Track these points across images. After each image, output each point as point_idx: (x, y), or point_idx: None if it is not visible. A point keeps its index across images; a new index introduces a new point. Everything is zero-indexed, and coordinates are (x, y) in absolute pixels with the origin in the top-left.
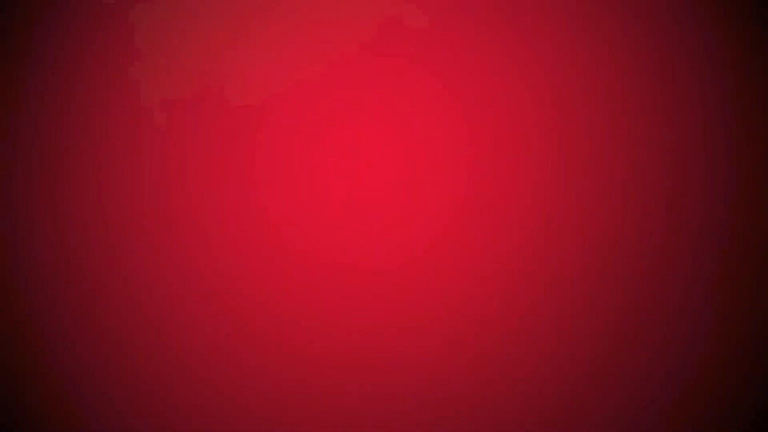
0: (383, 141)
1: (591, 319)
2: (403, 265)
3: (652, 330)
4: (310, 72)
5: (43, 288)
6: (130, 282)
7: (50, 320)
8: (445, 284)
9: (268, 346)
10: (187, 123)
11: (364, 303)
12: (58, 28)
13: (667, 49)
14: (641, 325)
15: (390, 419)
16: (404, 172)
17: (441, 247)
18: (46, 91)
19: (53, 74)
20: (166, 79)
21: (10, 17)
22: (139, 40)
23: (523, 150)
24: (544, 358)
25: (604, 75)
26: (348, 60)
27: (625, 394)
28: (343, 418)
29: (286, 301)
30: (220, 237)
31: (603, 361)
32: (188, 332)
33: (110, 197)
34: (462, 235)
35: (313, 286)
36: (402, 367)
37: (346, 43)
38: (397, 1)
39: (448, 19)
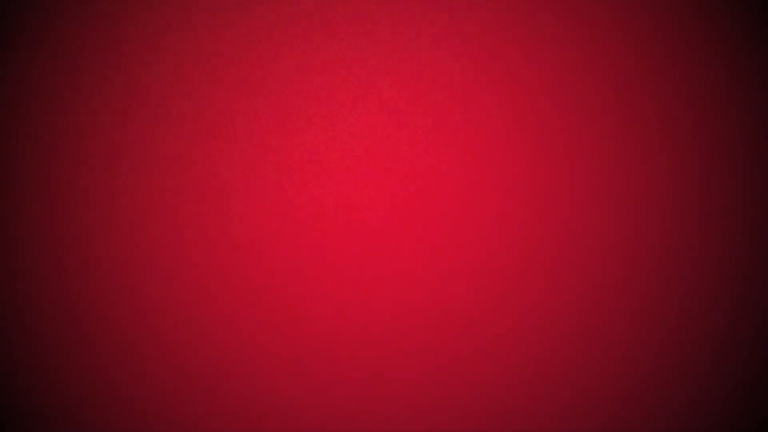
0: (386, 141)
1: (596, 319)
2: (406, 264)
3: (654, 330)
4: (313, 71)
5: (44, 288)
6: (129, 282)
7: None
8: (450, 285)
9: (269, 346)
10: (193, 123)
11: (367, 302)
12: (58, 28)
13: (670, 51)
14: (644, 325)
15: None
16: (408, 173)
17: (443, 247)
18: (46, 91)
19: (53, 74)
20: (167, 78)
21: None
22: (139, 39)
23: (525, 151)
24: (549, 358)
25: (606, 78)
26: (353, 60)
27: (625, 394)
28: (345, 417)
29: (287, 300)
30: (222, 236)
31: (605, 360)
32: (188, 331)
33: (110, 198)
34: (464, 236)
35: (314, 286)
36: (405, 366)
37: (350, 42)
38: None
39: (454, 21)
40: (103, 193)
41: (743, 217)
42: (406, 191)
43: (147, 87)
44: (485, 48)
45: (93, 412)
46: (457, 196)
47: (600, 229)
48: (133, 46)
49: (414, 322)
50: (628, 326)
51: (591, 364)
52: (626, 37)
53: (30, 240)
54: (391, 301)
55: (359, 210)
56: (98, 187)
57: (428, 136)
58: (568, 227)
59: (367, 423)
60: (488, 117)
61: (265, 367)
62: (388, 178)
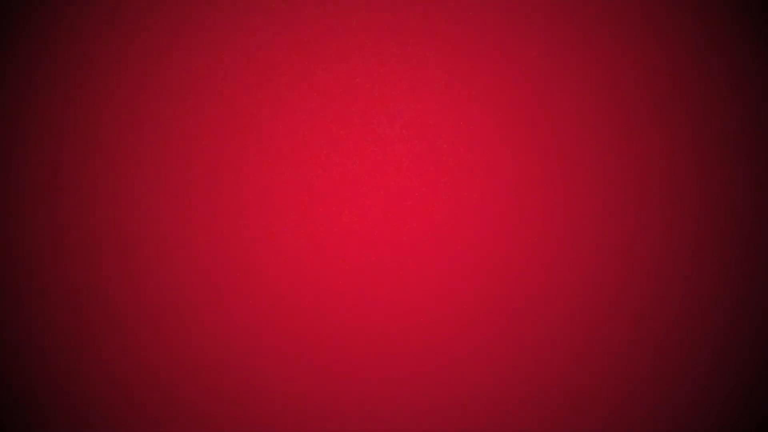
0: (386, 140)
1: (598, 319)
2: (408, 264)
3: (654, 330)
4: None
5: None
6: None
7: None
8: (448, 284)
9: (273, 346)
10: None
11: (369, 302)
12: (59, 27)
13: (669, 52)
14: (644, 325)
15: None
16: (410, 172)
17: (444, 248)
18: (47, 90)
19: (54, 73)
20: (167, 77)
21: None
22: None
23: (525, 153)
24: (550, 359)
25: (606, 79)
26: (353, 59)
27: (625, 394)
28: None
29: (289, 300)
30: (226, 238)
31: (605, 360)
32: (191, 332)
33: (111, 197)
34: (466, 235)
35: (318, 285)
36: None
37: (350, 42)
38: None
39: (455, 20)
40: (108, 194)
41: (743, 217)
42: (409, 193)
43: (156, 89)
44: (489, 50)
45: (93, 411)
46: (459, 196)
47: (600, 229)
48: (143, 47)
49: (415, 322)
50: (628, 326)
51: (591, 364)
52: (625, 38)
53: (33, 240)
54: (392, 301)
55: (361, 210)
56: (105, 187)
57: (431, 137)
58: (569, 227)
59: (368, 422)
60: (491, 118)
61: (268, 368)
62: (391, 180)
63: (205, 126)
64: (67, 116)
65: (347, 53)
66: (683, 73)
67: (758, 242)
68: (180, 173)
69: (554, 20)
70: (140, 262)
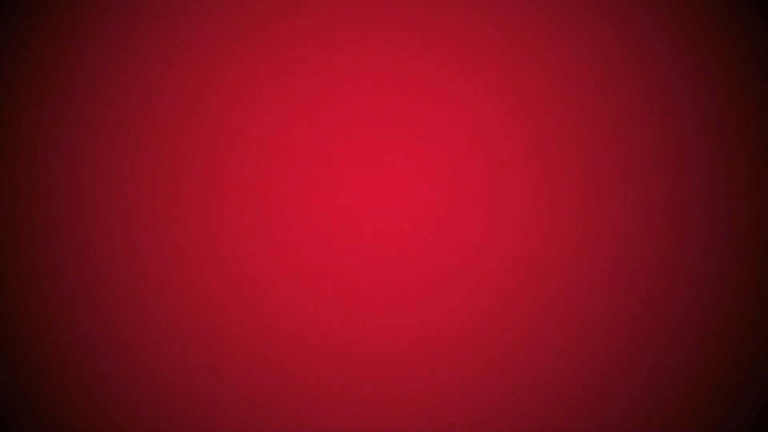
0: (384, 142)
1: (598, 319)
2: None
3: (657, 333)
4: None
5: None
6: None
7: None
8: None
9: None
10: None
11: (369, 304)
12: (62, 28)
13: (668, 52)
14: (647, 326)
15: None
16: (411, 174)
17: (448, 250)
18: (50, 92)
19: (53, 73)
20: (169, 77)
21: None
22: (142, 38)
23: (524, 152)
24: (553, 362)
25: (606, 78)
26: (350, 63)
27: (624, 395)
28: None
29: (290, 302)
30: (225, 236)
31: (605, 361)
32: (193, 332)
33: (114, 197)
34: (470, 238)
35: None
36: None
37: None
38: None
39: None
40: (107, 193)
41: (742, 217)
42: (408, 193)
43: (154, 89)
44: (489, 50)
45: (93, 411)
46: (457, 198)
47: (605, 232)
48: (141, 48)
49: (414, 324)
50: (630, 329)
51: (590, 365)
52: (625, 39)
53: (33, 240)
54: (392, 302)
55: (360, 211)
56: (103, 187)
57: (429, 139)
58: (568, 229)
59: (368, 423)
60: (497, 122)
61: (268, 368)
62: (397, 183)
63: (203, 126)
64: (66, 116)
65: (346, 53)
66: (682, 73)
67: (758, 243)
68: (178, 172)
69: (553, 20)
70: (139, 262)
